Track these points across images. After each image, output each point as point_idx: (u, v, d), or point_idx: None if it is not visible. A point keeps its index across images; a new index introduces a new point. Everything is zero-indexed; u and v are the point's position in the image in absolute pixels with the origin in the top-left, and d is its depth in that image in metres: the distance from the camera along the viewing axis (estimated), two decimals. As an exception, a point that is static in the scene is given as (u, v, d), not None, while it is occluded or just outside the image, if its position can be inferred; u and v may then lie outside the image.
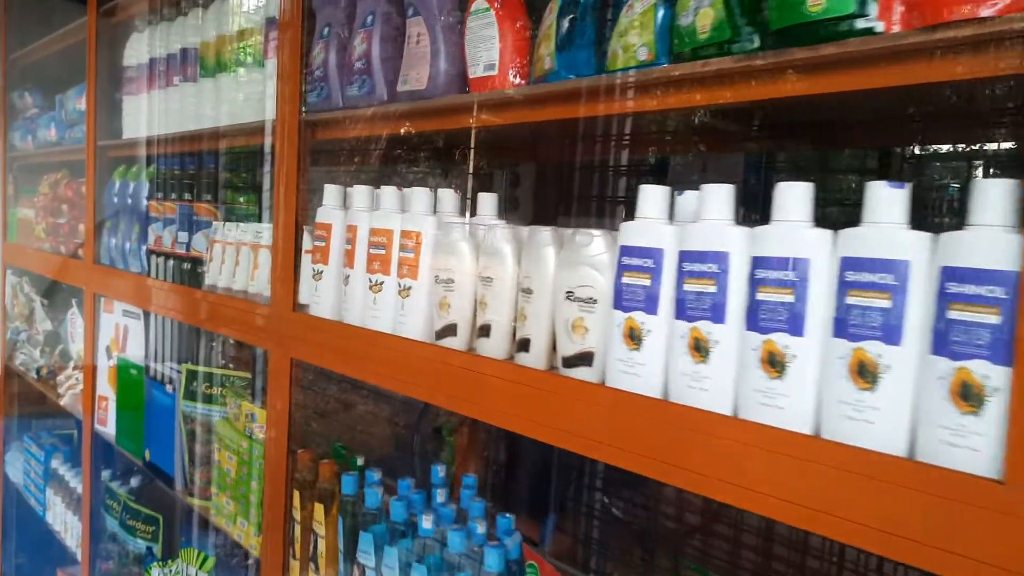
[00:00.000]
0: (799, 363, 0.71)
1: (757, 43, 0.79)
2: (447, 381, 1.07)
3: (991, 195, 0.63)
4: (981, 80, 0.68)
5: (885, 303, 0.66)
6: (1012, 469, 0.58)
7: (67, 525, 2.56)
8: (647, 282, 0.84)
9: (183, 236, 1.86)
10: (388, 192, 1.23)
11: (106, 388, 2.25)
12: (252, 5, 1.67)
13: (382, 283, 1.19)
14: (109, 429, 2.22)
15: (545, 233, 0.98)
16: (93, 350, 2.29)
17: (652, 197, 0.86)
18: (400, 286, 1.16)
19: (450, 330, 1.09)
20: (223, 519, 1.69)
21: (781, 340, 0.72)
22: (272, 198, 1.46)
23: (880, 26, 0.68)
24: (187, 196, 1.90)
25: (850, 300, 0.68)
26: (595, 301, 0.90)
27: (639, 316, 0.84)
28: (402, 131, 1.28)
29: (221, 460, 1.70)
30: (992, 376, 0.60)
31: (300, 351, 1.39)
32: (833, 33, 0.71)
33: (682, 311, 0.81)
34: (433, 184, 1.45)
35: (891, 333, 0.66)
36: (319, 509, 1.35)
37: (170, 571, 1.97)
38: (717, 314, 0.77)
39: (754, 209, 1.16)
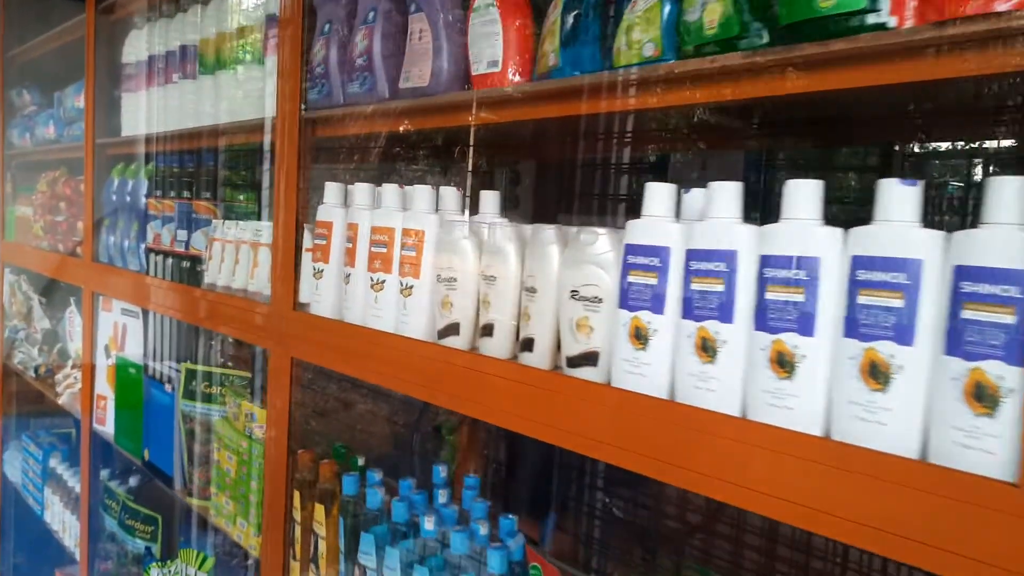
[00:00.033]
0: (809, 363, 0.70)
1: (766, 39, 0.78)
2: (449, 381, 1.06)
3: (1006, 193, 0.62)
4: (991, 76, 0.67)
5: (897, 302, 0.65)
6: (1027, 472, 0.57)
7: (65, 525, 2.54)
8: (653, 281, 0.83)
9: (182, 234, 1.84)
10: (390, 190, 1.21)
11: (105, 387, 2.24)
12: (252, 2, 1.66)
13: (384, 282, 1.18)
14: (108, 428, 2.21)
15: (549, 231, 0.96)
16: (91, 349, 2.27)
17: (658, 195, 0.85)
18: (402, 285, 1.15)
19: (453, 329, 1.08)
20: (222, 519, 1.68)
21: (790, 340, 0.71)
22: (272, 196, 1.45)
23: (892, 21, 0.67)
24: (186, 194, 1.89)
25: (861, 299, 0.67)
26: (600, 300, 0.89)
27: (645, 315, 0.83)
28: (405, 129, 1.27)
29: (220, 460, 1.69)
30: (1007, 377, 0.59)
31: (301, 350, 1.38)
32: (844, 28, 0.70)
33: (689, 310, 0.80)
34: (433, 182, 1.44)
35: (903, 333, 0.65)
36: (320, 509, 1.34)
37: (169, 571, 1.96)
38: (725, 313, 0.76)
39: (754, 207, 1.15)
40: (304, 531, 1.39)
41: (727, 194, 0.79)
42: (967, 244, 0.63)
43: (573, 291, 0.92)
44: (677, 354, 0.81)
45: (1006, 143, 1.08)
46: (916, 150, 1.23)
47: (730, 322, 0.76)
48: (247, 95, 1.64)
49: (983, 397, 0.60)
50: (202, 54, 1.81)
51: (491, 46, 1.08)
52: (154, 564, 2.01)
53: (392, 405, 1.90)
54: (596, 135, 1.48)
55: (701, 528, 1.53)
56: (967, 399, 0.61)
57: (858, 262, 0.68)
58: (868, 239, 0.68)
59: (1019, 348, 0.58)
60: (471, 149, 1.55)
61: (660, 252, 0.82)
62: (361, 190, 1.27)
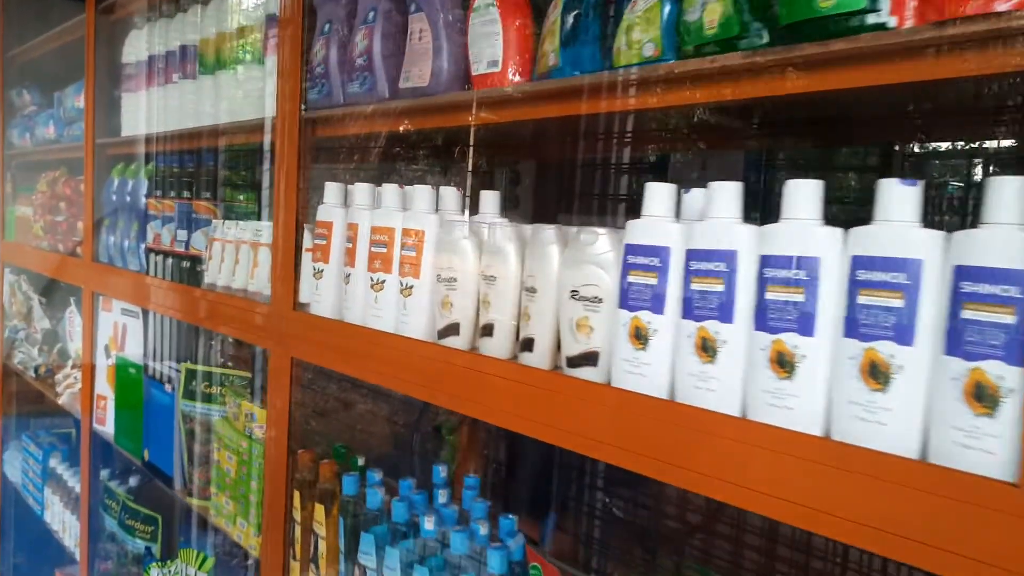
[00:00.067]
0: (809, 363, 0.70)
1: (766, 39, 0.78)
2: (449, 381, 1.06)
3: (1006, 193, 0.62)
4: (991, 76, 0.67)
5: (897, 302, 0.65)
6: (1028, 472, 0.57)
7: (65, 525, 2.54)
8: (653, 281, 0.83)
9: (182, 234, 1.84)
10: (390, 190, 1.21)
11: (105, 387, 2.24)
12: (252, 2, 1.66)
13: (384, 282, 1.18)
14: (108, 428, 2.21)
15: (549, 231, 0.96)
16: (91, 349, 2.27)
17: (658, 195, 0.85)
18: (402, 285, 1.15)
19: (453, 329, 1.08)
20: (223, 519, 1.68)
21: (790, 340, 0.71)
22: (272, 196, 1.45)
23: (892, 21, 0.67)
24: (186, 194, 1.88)
25: (861, 299, 0.67)
26: (600, 300, 0.89)
27: (645, 315, 0.83)
28: (405, 129, 1.27)
29: (220, 460, 1.69)
30: (1007, 377, 0.59)
31: (301, 350, 1.38)
32: (844, 28, 0.70)
33: (689, 310, 0.80)
34: (432, 182, 1.44)
35: (904, 333, 0.65)
36: (320, 509, 1.34)
37: (169, 571, 1.96)
38: (725, 313, 0.76)
39: (754, 207, 1.15)
40: (304, 531, 1.39)
41: (727, 194, 0.79)
42: (967, 244, 0.63)
43: (573, 291, 0.92)
44: (677, 354, 0.81)
45: (1006, 143, 1.08)
46: (916, 150, 1.23)
47: (730, 322, 0.76)
48: (247, 95, 1.64)
49: (983, 397, 0.60)
50: (202, 54, 1.81)
51: (491, 46, 1.08)
52: (154, 564, 2.01)
53: (392, 405, 1.90)
54: (596, 135, 1.48)
55: (701, 528, 1.53)
56: (967, 399, 0.61)
57: (858, 262, 0.68)
58: (868, 239, 0.68)
59: (1019, 348, 0.58)
60: (471, 149, 1.55)
61: (660, 252, 0.82)
62: (361, 190, 1.27)
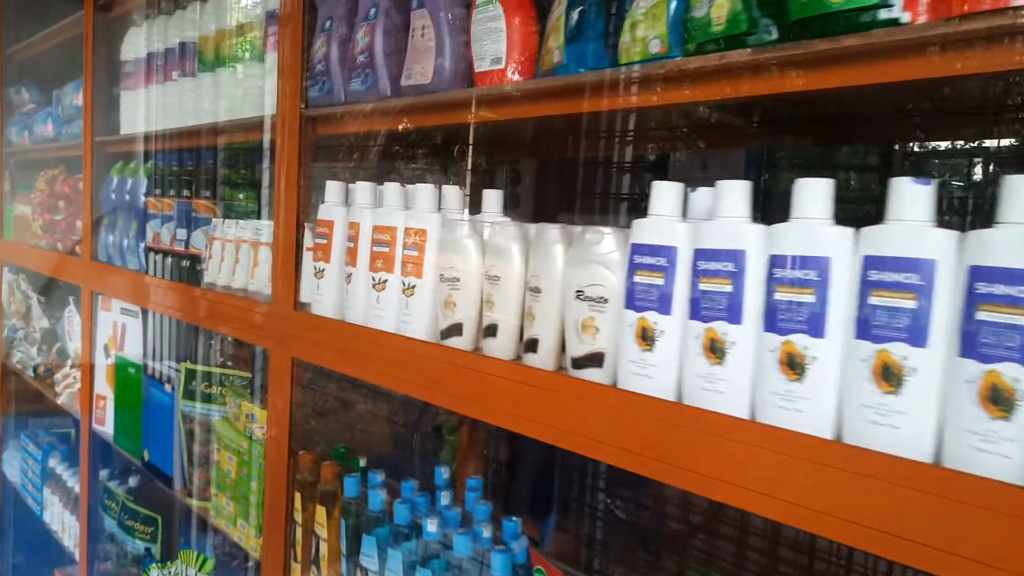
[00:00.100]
0: (819, 365, 0.69)
1: (775, 35, 0.77)
2: (453, 382, 1.05)
3: (1022, 192, 0.61)
4: (1006, 73, 0.66)
5: (910, 303, 0.64)
6: (1046, 476, 0.56)
7: (65, 525, 2.53)
8: (660, 281, 0.81)
9: (182, 233, 1.83)
10: (391, 189, 1.20)
11: (104, 387, 2.22)
12: (251, -1, 1.65)
13: (385, 281, 1.16)
14: (107, 428, 2.20)
15: (553, 231, 0.95)
16: (91, 348, 2.26)
17: (665, 194, 0.84)
18: (404, 284, 1.14)
19: (455, 330, 1.07)
20: (223, 520, 1.67)
21: (800, 341, 0.70)
22: (272, 194, 1.44)
23: (905, 17, 0.66)
24: (186, 192, 1.87)
25: (873, 300, 0.66)
26: (606, 300, 0.88)
27: (652, 316, 0.82)
28: (407, 127, 1.26)
29: (221, 460, 1.67)
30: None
31: (302, 350, 1.37)
32: (855, 24, 0.69)
33: (697, 311, 0.78)
34: (432, 181, 1.43)
35: (917, 335, 0.63)
36: (321, 511, 1.33)
37: (169, 572, 1.95)
38: (733, 314, 0.75)
39: (754, 206, 1.14)
40: (305, 533, 1.38)
41: (735, 193, 0.78)
42: (982, 244, 0.62)
43: (578, 291, 0.90)
44: (684, 355, 0.80)
45: (1006, 142, 1.07)
46: (915, 148, 1.22)
47: (739, 323, 0.75)
48: (247, 93, 1.63)
49: (999, 400, 0.58)
50: (201, 51, 1.79)
51: (495, 43, 1.07)
52: (154, 565, 2.00)
53: (392, 405, 1.89)
54: (598, 133, 1.47)
55: (702, 529, 1.52)
56: (982, 402, 0.60)
57: (870, 262, 0.67)
58: (880, 239, 0.67)
59: (1036, 350, 0.57)
60: (471, 148, 1.54)
61: (667, 252, 0.81)
62: (363, 189, 1.26)
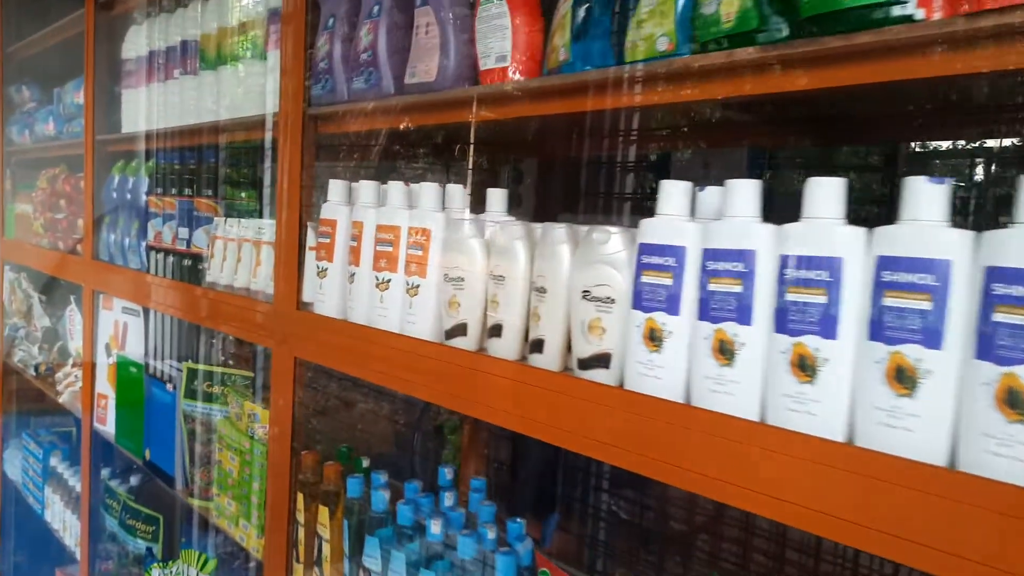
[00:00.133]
0: (831, 367, 0.68)
1: (785, 32, 0.76)
2: (456, 382, 1.04)
3: (1039, 191, 0.60)
4: (1020, 71, 0.65)
5: (925, 305, 0.63)
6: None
7: (66, 524, 2.53)
8: (668, 281, 0.80)
9: (183, 232, 1.82)
10: (395, 188, 1.19)
11: (105, 386, 2.22)
12: (253, -4, 1.64)
13: (389, 281, 1.16)
14: (108, 427, 2.19)
15: (560, 230, 0.94)
16: (92, 347, 2.25)
17: (674, 193, 0.83)
18: (408, 284, 1.13)
19: (460, 330, 1.06)
20: (224, 520, 1.66)
21: (812, 343, 0.69)
22: (274, 193, 1.43)
23: (920, 13, 0.65)
24: (187, 191, 1.86)
25: (887, 301, 0.65)
26: (613, 301, 0.87)
27: (660, 317, 0.81)
28: (410, 126, 1.25)
29: (223, 460, 1.67)
30: (1041, 382, 0.57)
31: (304, 350, 1.36)
32: (868, 21, 0.68)
33: (706, 312, 0.77)
34: (433, 180, 1.42)
35: (932, 336, 0.62)
36: (324, 512, 1.32)
37: (170, 572, 1.94)
38: (743, 315, 0.74)
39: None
40: (308, 533, 1.37)
41: (745, 192, 0.77)
42: (999, 244, 0.61)
43: (584, 291, 0.89)
44: (693, 357, 0.79)
45: (1009, 141, 1.06)
46: (922, 148, 1.21)
47: (749, 324, 0.74)
48: (249, 91, 1.62)
49: (1017, 403, 0.57)
50: (203, 49, 1.78)
51: (499, 41, 1.06)
52: (155, 565, 1.99)
53: (393, 404, 1.89)
54: (601, 132, 1.46)
55: (705, 529, 1.51)
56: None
57: (883, 262, 0.66)
58: (894, 239, 0.66)
59: (1054, 353, 0.56)
60: (473, 147, 1.53)
61: (675, 252, 0.80)
62: (366, 188, 1.25)
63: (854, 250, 0.68)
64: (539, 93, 1.05)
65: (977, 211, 1.11)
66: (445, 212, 1.13)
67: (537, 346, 0.96)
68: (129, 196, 2.06)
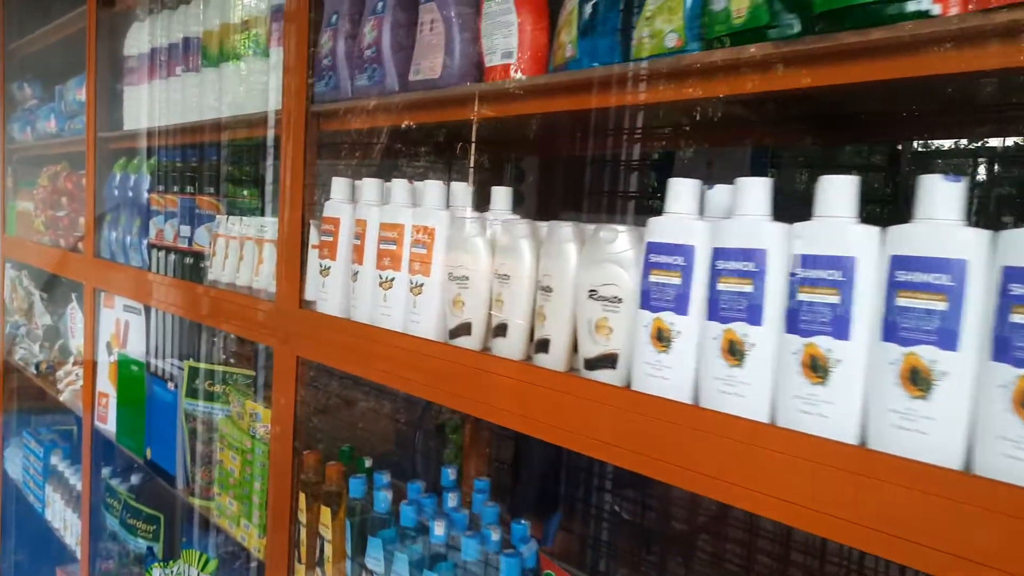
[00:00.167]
0: (844, 368, 0.67)
1: (798, 28, 0.74)
2: (460, 382, 1.03)
3: (1058, 190, 0.58)
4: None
5: (940, 305, 0.62)
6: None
7: (66, 523, 2.52)
8: (677, 281, 0.79)
9: (185, 230, 1.81)
10: (399, 185, 1.18)
11: (106, 384, 2.21)
12: (256, -7, 1.63)
13: (393, 279, 1.14)
14: (109, 426, 2.18)
15: (566, 228, 0.93)
16: (93, 345, 2.25)
17: (683, 191, 0.82)
18: (412, 283, 1.12)
19: (464, 329, 1.05)
20: (226, 520, 1.65)
21: (824, 343, 0.68)
22: (276, 191, 1.42)
23: (936, 9, 0.64)
24: (189, 189, 1.85)
25: (901, 302, 0.64)
26: (620, 300, 0.86)
27: (668, 316, 0.80)
28: (413, 124, 1.24)
29: (224, 459, 1.66)
30: (1060, 385, 0.56)
31: (306, 349, 1.35)
32: (882, 16, 0.67)
33: (715, 312, 0.76)
34: (435, 178, 1.41)
35: (947, 337, 0.61)
36: (325, 512, 1.31)
37: (171, 572, 1.93)
38: (754, 315, 0.73)
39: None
40: (309, 533, 1.36)
41: (756, 190, 0.76)
42: (1017, 244, 0.59)
43: (591, 291, 0.88)
44: (702, 357, 0.78)
45: (1011, 140, 1.05)
46: (918, 149, 1.20)
47: (759, 324, 0.73)
48: (251, 88, 1.61)
49: (1035, 406, 0.56)
50: (205, 46, 1.77)
51: (505, 37, 1.05)
52: (156, 564, 1.98)
53: (395, 403, 1.88)
54: (606, 130, 1.45)
55: (707, 530, 1.50)
56: (1016, 408, 0.57)
57: (897, 262, 0.65)
58: (908, 238, 0.65)
59: (1074, 354, 0.55)
60: (475, 144, 1.51)
61: (684, 251, 0.79)
62: (369, 185, 1.23)
63: (868, 249, 0.67)
64: (546, 90, 1.03)
65: (980, 211, 1.10)
66: (449, 210, 1.12)
67: (542, 346, 0.95)
68: (131, 194, 2.05)
